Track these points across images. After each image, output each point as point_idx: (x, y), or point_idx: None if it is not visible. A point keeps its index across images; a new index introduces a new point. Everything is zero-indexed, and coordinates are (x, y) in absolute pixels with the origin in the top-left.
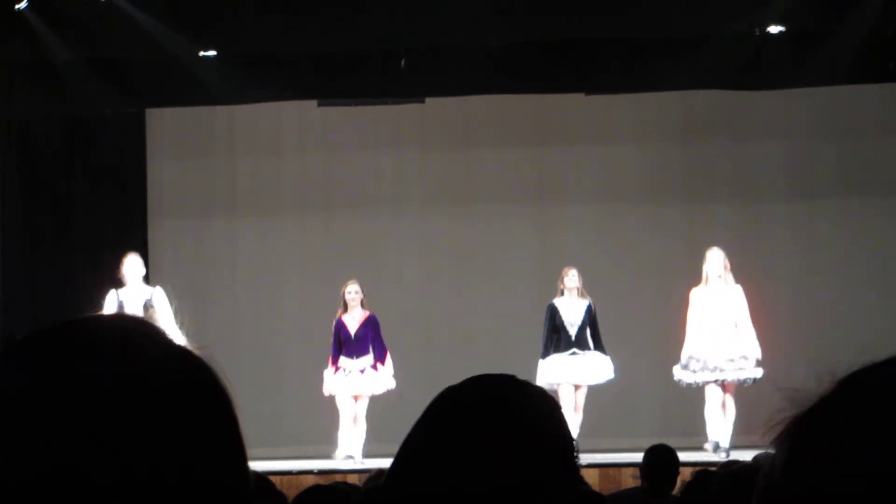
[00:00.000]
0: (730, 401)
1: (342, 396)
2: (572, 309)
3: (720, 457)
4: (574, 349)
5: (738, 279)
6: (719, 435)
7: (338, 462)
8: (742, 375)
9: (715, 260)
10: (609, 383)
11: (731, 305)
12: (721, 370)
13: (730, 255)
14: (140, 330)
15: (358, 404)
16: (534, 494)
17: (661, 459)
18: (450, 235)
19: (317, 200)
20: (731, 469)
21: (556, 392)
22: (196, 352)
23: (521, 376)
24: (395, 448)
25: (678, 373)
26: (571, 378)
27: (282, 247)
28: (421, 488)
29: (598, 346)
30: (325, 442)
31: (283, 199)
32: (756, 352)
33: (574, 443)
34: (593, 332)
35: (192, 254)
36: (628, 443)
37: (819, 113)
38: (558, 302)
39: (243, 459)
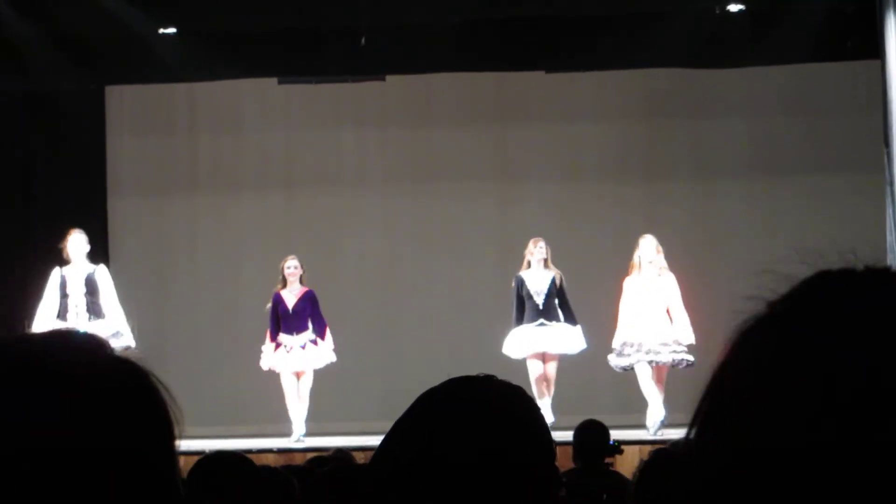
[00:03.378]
0: (661, 379)
1: (285, 374)
2: (538, 279)
3: (654, 435)
4: (542, 320)
5: (697, 256)
6: (653, 411)
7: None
8: (676, 357)
9: (647, 247)
10: (582, 354)
11: (664, 292)
12: (655, 352)
13: (690, 232)
14: (88, 342)
15: (301, 381)
16: (515, 491)
17: (591, 436)
18: (411, 213)
19: (277, 178)
20: (676, 446)
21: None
22: (132, 358)
23: (484, 352)
24: (354, 427)
25: (613, 359)
26: (538, 347)
27: (242, 225)
28: (402, 490)
29: (568, 318)
30: (286, 420)
31: (244, 176)
32: (689, 338)
33: (552, 440)
34: (562, 303)
35: (152, 231)
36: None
37: (780, 91)
38: (525, 273)
39: (172, 450)
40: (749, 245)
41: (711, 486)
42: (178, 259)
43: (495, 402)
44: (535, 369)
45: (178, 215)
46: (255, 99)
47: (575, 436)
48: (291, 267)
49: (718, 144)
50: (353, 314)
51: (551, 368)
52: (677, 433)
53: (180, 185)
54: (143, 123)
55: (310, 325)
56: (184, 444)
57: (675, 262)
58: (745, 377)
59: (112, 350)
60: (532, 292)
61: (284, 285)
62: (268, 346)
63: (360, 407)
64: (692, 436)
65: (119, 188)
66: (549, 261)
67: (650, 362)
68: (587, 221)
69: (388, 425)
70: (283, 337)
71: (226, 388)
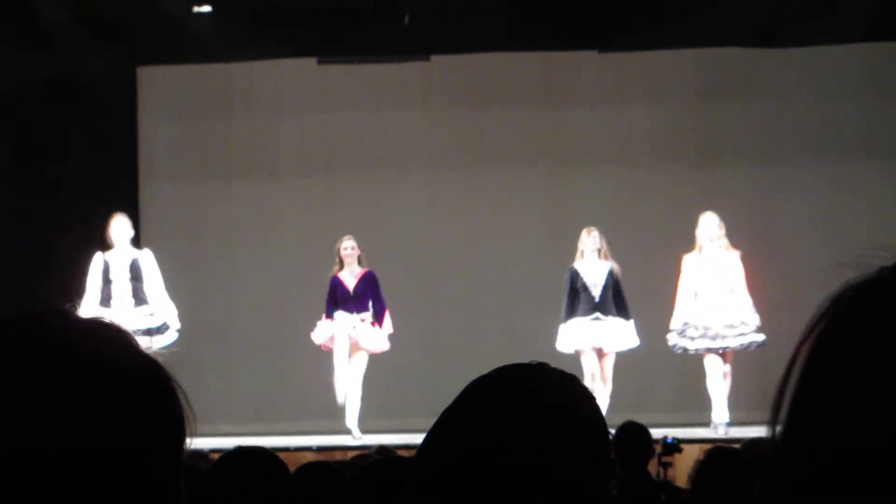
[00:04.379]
0: (728, 370)
1: (339, 343)
2: (594, 271)
3: (719, 432)
4: (597, 314)
5: (755, 245)
6: (718, 412)
7: (338, 438)
8: (745, 340)
9: (708, 224)
10: (632, 351)
11: (727, 272)
12: (722, 337)
13: (747, 220)
14: (105, 333)
15: (354, 362)
16: (568, 484)
17: (630, 439)
18: (457, 199)
19: (317, 163)
20: (755, 446)
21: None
22: (156, 358)
23: (535, 343)
24: (397, 424)
25: (674, 339)
26: (594, 342)
27: (280, 212)
28: (452, 480)
29: (622, 312)
30: (326, 416)
31: (282, 161)
32: (754, 319)
33: (608, 431)
34: (617, 296)
35: (185, 219)
36: (644, 418)
37: (841, 72)
38: (579, 265)
39: (178, 456)
40: (810, 234)
41: (809, 486)
42: (214, 248)
43: (547, 392)
44: (590, 365)
45: (213, 202)
46: (294, 80)
47: (613, 438)
48: (348, 248)
49: (777, 128)
50: (396, 305)
51: (608, 365)
52: (743, 431)
53: (215, 171)
54: (176, 106)
55: (370, 307)
56: (217, 442)
57: (734, 244)
58: (843, 371)
59: (137, 347)
60: (588, 284)
61: (342, 266)
62: (322, 322)
63: (404, 403)
64: (778, 435)
65: (151, 173)
66: (605, 251)
67: (718, 350)
68: (640, 207)
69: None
70: (341, 316)
71: (263, 382)
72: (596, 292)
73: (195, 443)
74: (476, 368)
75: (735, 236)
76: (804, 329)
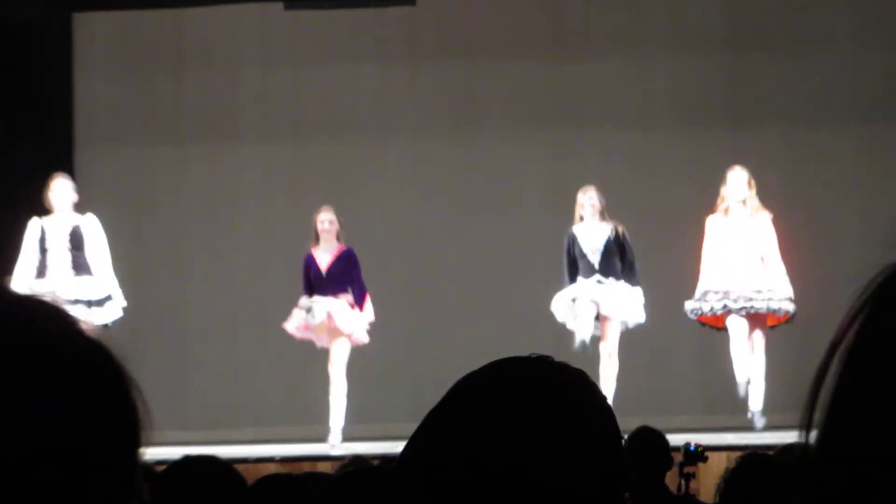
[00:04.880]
0: (759, 339)
1: (318, 333)
2: (593, 235)
3: (757, 424)
4: (599, 277)
5: (788, 216)
6: (751, 382)
7: (307, 447)
8: (773, 305)
9: (737, 181)
10: (655, 338)
11: (756, 235)
12: (748, 299)
13: (781, 189)
14: (43, 312)
15: (334, 349)
16: (573, 498)
17: (646, 447)
18: (446, 165)
19: (283, 125)
20: (790, 452)
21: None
22: (105, 344)
23: (535, 333)
24: (376, 430)
25: (691, 304)
26: (594, 297)
27: (240, 179)
28: (437, 492)
29: (629, 275)
30: (290, 422)
31: (242, 122)
32: (787, 289)
33: (620, 436)
34: (622, 259)
35: (128, 188)
36: (662, 422)
37: (890, 20)
38: (577, 229)
39: (134, 458)
40: (855, 199)
41: (856, 497)
42: (162, 223)
43: (550, 390)
44: (585, 326)
45: (162, 169)
46: (257, 28)
47: (626, 446)
48: (325, 221)
49: (820, 82)
50: (376, 289)
51: (611, 335)
52: (778, 437)
53: (165, 133)
54: (118, 59)
55: (348, 289)
56: (163, 452)
57: (766, 204)
58: (891, 367)
59: (81, 329)
60: (586, 250)
61: (317, 242)
62: (295, 310)
63: (384, 405)
64: (814, 442)
65: (89, 136)
66: (605, 212)
67: (740, 310)
68: (659, 174)
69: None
70: (315, 300)
71: (219, 380)
72: (595, 258)
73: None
74: (468, 364)
75: (766, 203)
76: (843, 318)
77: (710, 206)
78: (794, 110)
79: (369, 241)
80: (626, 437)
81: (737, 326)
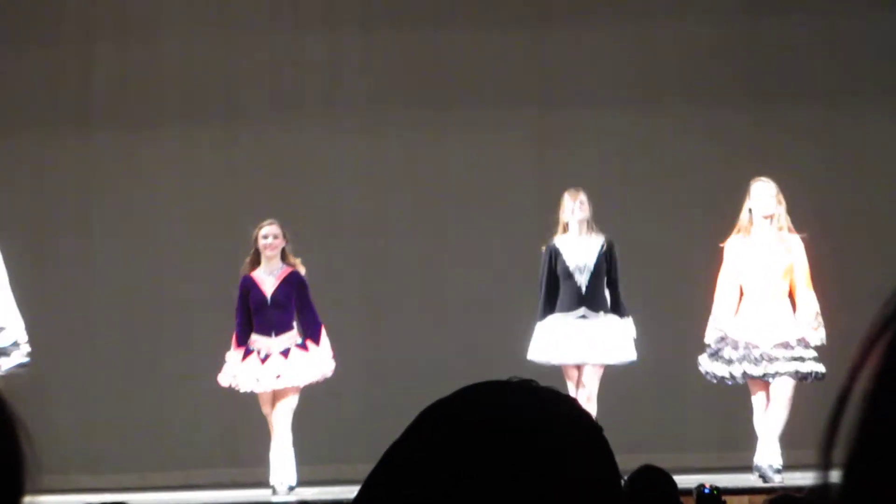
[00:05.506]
0: (781, 400)
1: (266, 398)
2: (580, 250)
3: (772, 480)
4: (584, 309)
5: (825, 214)
6: (765, 454)
7: (241, 493)
8: (803, 368)
9: (762, 195)
10: (629, 365)
11: (786, 263)
12: (771, 360)
13: (819, 179)
14: None
15: (280, 405)
16: None
17: (648, 488)
18: (409, 153)
19: (211, 104)
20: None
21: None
22: None
23: (515, 354)
24: (326, 473)
25: (705, 363)
26: (577, 355)
27: (159, 171)
28: None
29: (616, 306)
30: (225, 463)
31: (162, 102)
32: (818, 333)
33: (619, 477)
34: (610, 283)
35: (25, 184)
36: (669, 460)
37: None
38: (560, 241)
39: (15, 489)
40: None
41: None
42: (66, 225)
43: (533, 421)
44: (572, 379)
45: (65, 158)
46: None
47: (626, 486)
48: (269, 236)
49: (854, 51)
50: (327, 308)
51: (590, 379)
52: (800, 476)
53: (68, 116)
54: (10, 28)
55: (296, 322)
56: (72, 500)
57: (797, 224)
58: None
59: None
60: (572, 268)
61: (258, 263)
62: (231, 353)
63: (336, 443)
64: (841, 479)
65: None
66: (592, 222)
67: (764, 376)
68: (664, 164)
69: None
70: (256, 339)
71: (137, 418)
72: (582, 279)
73: (42, 502)
74: (435, 393)
75: (799, 210)
76: (863, 339)
77: (725, 204)
78: (823, 86)
79: (316, 245)
80: (625, 478)
81: (757, 395)
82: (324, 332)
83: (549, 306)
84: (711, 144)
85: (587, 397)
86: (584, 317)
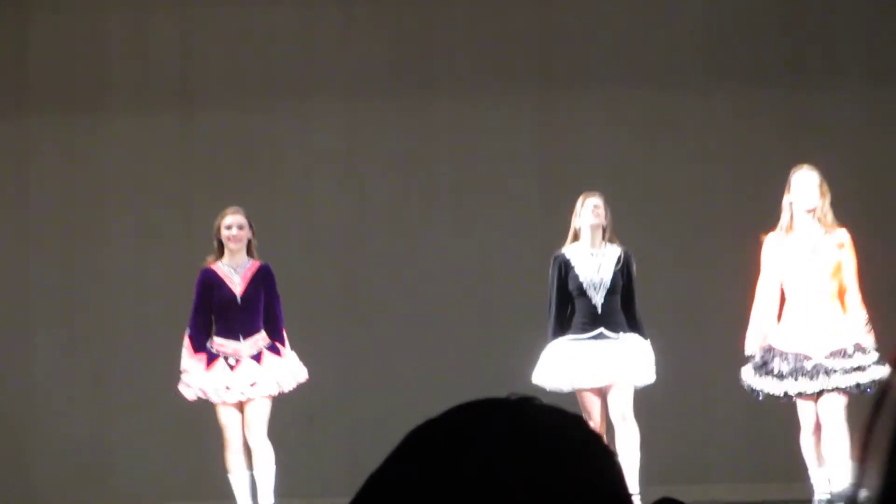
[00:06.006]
0: (837, 420)
1: (230, 413)
2: (595, 262)
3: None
4: (601, 329)
5: (872, 206)
6: (828, 481)
7: None
8: (862, 378)
9: (805, 186)
10: (646, 388)
11: (833, 260)
12: (827, 373)
13: (861, 166)
14: None
15: (252, 417)
16: None
17: None
18: (392, 139)
19: (164, 83)
20: None
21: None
22: None
23: (513, 371)
24: None
25: (749, 377)
26: (599, 376)
27: (106, 158)
28: None
29: (634, 325)
30: (181, 497)
31: (108, 80)
32: (869, 338)
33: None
34: (627, 301)
35: None
36: (693, 493)
37: None
38: (571, 252)
39: None
40: None
41: None
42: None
43: (534, 443)
44: (593, 407)
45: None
46: None
47: None
48: (233, 226)
49: None
50: (296, 315)
51: (621, 401)
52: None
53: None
54: None
55: (262, 321)
56: None
57: (841, 219)
58: None
59: None
60: (585, 283)
61: (221, 255)
62: (190, 360)
63: (313, 473)
64: (878, 486)
65: None
66: (612, 231)
67: (821, 393)
68: (689, 153)
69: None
70: (221, 343)
71: (86, 447)
72: (598, 297)
73: None
74: (424, 413)
75: (842, 204)
76: None
77: (758, 202)
78: (868, 61)
79: (283, 245)
80: None
81: (808, 415)
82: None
83: (560, 326)
84: (742, 128)
85: (622, 416)
86: (600, 335)
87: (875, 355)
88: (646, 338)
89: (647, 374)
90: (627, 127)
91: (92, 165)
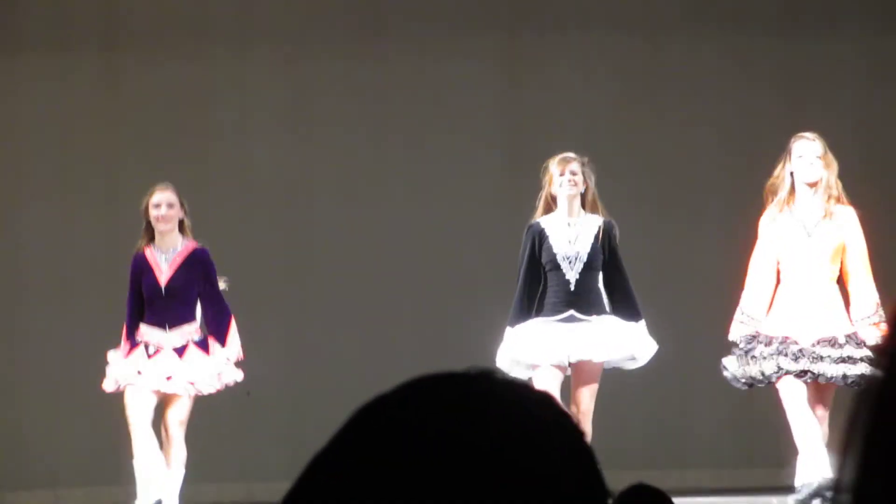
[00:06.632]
0: (820, 412)
1: (136, 395)
2: (571, 233)
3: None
4: (571, 311)
5: (882, 179)
6: (813, 470)
7: None
8: (852, 371)
9: (805, 155)
10: (642, 369)
11: (837, 242)
12: (814, 358)
13: (867, 133)
14: None
15: (170, 412)
16: None
17: None
18: (341, 92)
19: (87, 23)
20: None
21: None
22: None
23: (474, 353)
24: (234, 491)
25: (731, 365)
26: (559, 352)
27: (17, 115)
28: None
29: (624, 307)
30: (94, 481)
31: (20, 22)
32: (874, 332)
33: (607, 494)
34: (613, 279)
35: None
36: (669, 478)
37: None
38: (546, 221)
39: None
40: None
41: None
42: None
43: (494, 418)
44: (552, 386)
45: None
46: None
47: None
48: (162, 205)
49: None
50: (234, 287)
51: (584, 394)
52: None
53: None
54: None
55: (198, 312)
56: None
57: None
58: None
59: None
60: (559, 257)
61: (151, 239)
62: (115, 353)
63: (247, 457)
64: (852, 477)
65: None
66: (595, 197)
67: (805, 374)
68: (676, 110)
69: None
70: (146, 332)
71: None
72: (572, 270)
73: None
74: (372, 389)
75: (848, 181)
76: (884, 335)
77: (752, 173)
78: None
79: (223, 211)
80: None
81: (792, 394)
82: (234, 327)
83: (528, 305)
84: (732, 79)
85: (582, 413)
86: (572, 317)
87: (867, 350)
88: (640, 317)
89: (639, 348)
90: (604, 79)
91: (6, 117)
